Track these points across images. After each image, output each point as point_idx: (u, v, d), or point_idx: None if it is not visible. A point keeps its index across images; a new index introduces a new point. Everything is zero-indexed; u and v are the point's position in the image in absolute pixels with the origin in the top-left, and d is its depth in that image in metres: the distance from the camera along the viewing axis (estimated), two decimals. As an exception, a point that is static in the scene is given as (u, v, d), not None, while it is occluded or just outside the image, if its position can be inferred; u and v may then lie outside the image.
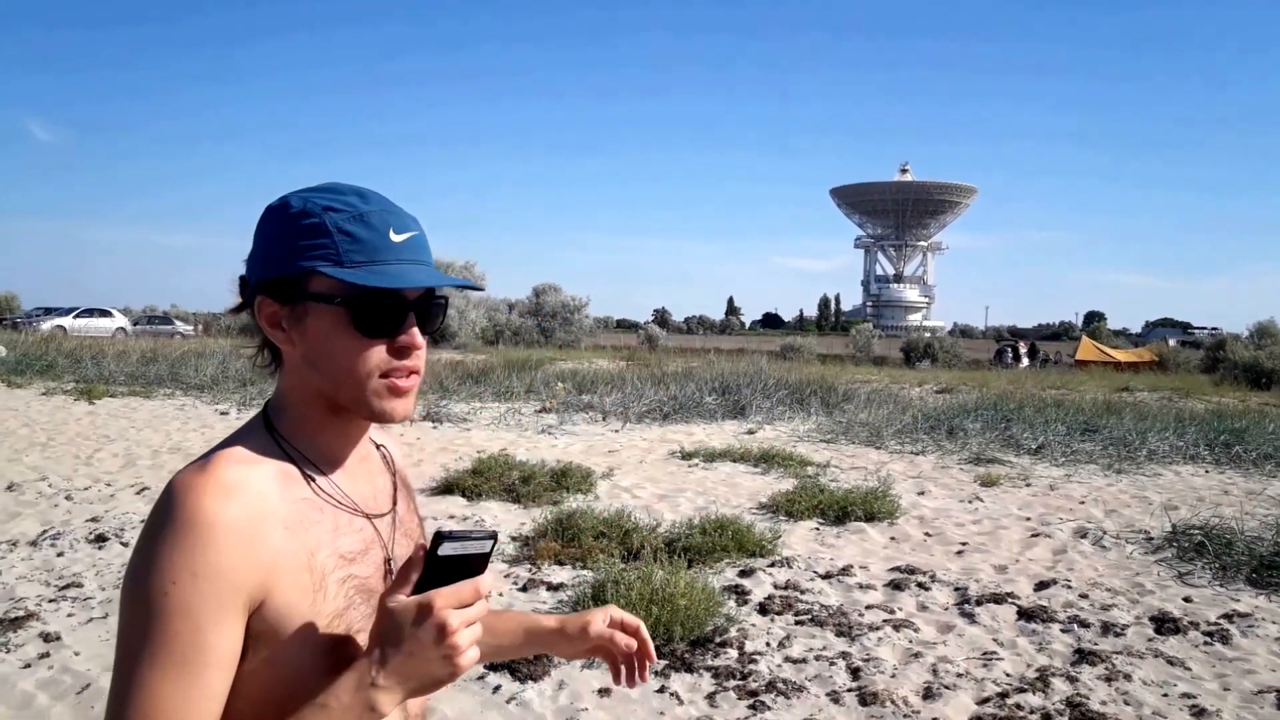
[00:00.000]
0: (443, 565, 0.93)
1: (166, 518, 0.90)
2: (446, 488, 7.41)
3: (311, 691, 0.93)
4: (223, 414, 11.66)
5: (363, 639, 1.00)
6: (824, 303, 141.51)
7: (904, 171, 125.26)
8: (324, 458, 1.05)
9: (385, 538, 1.08)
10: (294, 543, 0.96)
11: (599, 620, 1.29)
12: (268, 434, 1.03)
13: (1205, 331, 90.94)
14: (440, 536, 0.92)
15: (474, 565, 0.95)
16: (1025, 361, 38.30)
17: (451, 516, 6.70)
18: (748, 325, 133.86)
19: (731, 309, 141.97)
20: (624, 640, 1.29)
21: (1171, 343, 66.38)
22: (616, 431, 10.90)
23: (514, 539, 6.13)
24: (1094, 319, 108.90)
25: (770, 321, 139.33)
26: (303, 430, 1.05)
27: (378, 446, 1.18)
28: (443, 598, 0.92)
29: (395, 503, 1.14)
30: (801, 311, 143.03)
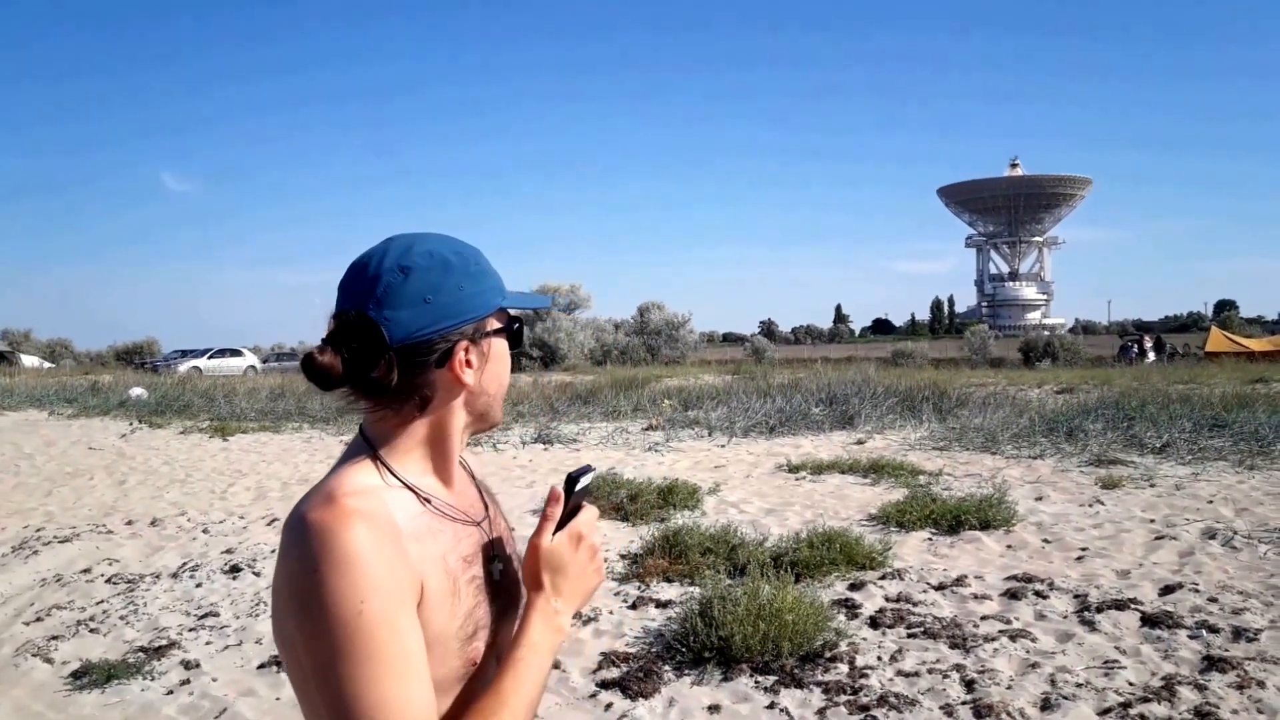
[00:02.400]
0: (575, 498, 1.16)
1: (322, 553, 0.99)
2: (557, 509, 7.57)
3: (453, 682, 1.09)
4: (346, 444, 12.16)
5: (483, 635, 1.13)
6: (936, 305, 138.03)
7: (1014, 167, 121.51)
8: (435, 477, 1.16)
9: (488, 537, 1.22)
10: (428, 551, 1.07)
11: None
12: (373, 464, 1.12)
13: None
14: (572, 476, 1.17)
15: (586, 498, 1.19)
16: (1151, 356, 36.57)
17: (562, 537, 6.86)
18: (857, 332, 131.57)
19: (840, 317, 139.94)
20: None
21: (1316, 327, 62.40)
22: (722, 446, 10.93)
23: (622, 557, 6.23)
24: (1225, 308, 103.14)
25: (881, 327, 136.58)
26: (413, 455, 1.14)
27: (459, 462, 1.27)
28: (584, 525, 1.16)
29: (486, 507, 1.27)
30: (913, 315, 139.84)
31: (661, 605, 5.32)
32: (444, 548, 1.10)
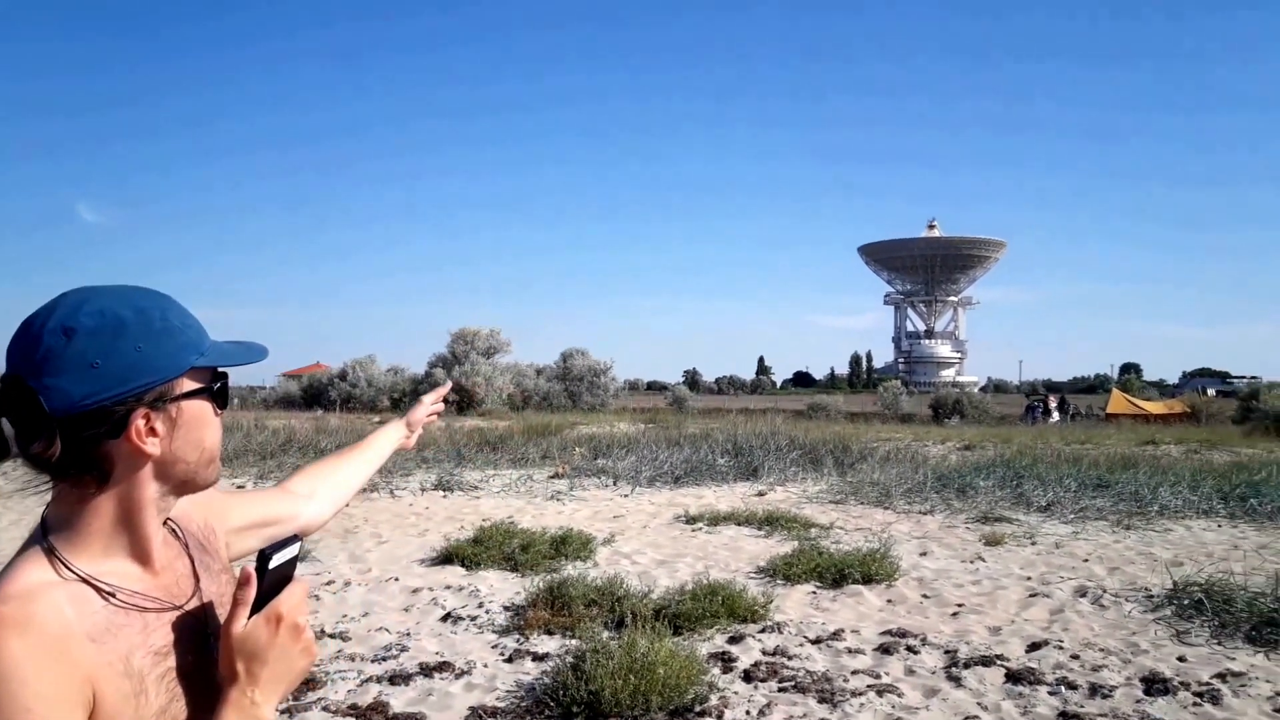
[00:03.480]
0: (272, 576, 1.07)
1: None
2: (446, 558, 7.47)
3: None
4: (239, 488, 11.83)
5: None
6: (855, 360, 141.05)
7: (931, 228, 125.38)
8: (128, 558, 1.06)
9: (198, 612, 1.13)
10: (105, 654, 0.98)
11: (418, 412, 1.89)
12: (46, 556, 1.01)
13: (1244, 380, 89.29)
14: (264, 554, 1.08)
15: (290, 571, 1.11)
16: (1055, 416, 37.80)
17: (448, 587, 6.75)
18: (779, 384, 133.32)
19: (762, 368, 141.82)
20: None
21: (1211, 393, 65.30)
22: (625, 496, 10.92)
23: (505, 609, 6.16)
24: (1129, 370, 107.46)
25: (801, 380, 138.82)
26: (97, 538, 1.04)
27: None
28: (286, 604, 1.07)
29: (196, 575, 1.16)
30: (833, 369, 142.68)
31: (539, 658, 5.26)
32: (129, 644, 1.01)
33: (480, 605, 6.30)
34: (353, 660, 5.38)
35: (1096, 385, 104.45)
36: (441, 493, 11.08)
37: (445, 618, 6.11)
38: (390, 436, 1.83)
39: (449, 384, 2.17)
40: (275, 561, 1.08)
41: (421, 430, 1.92)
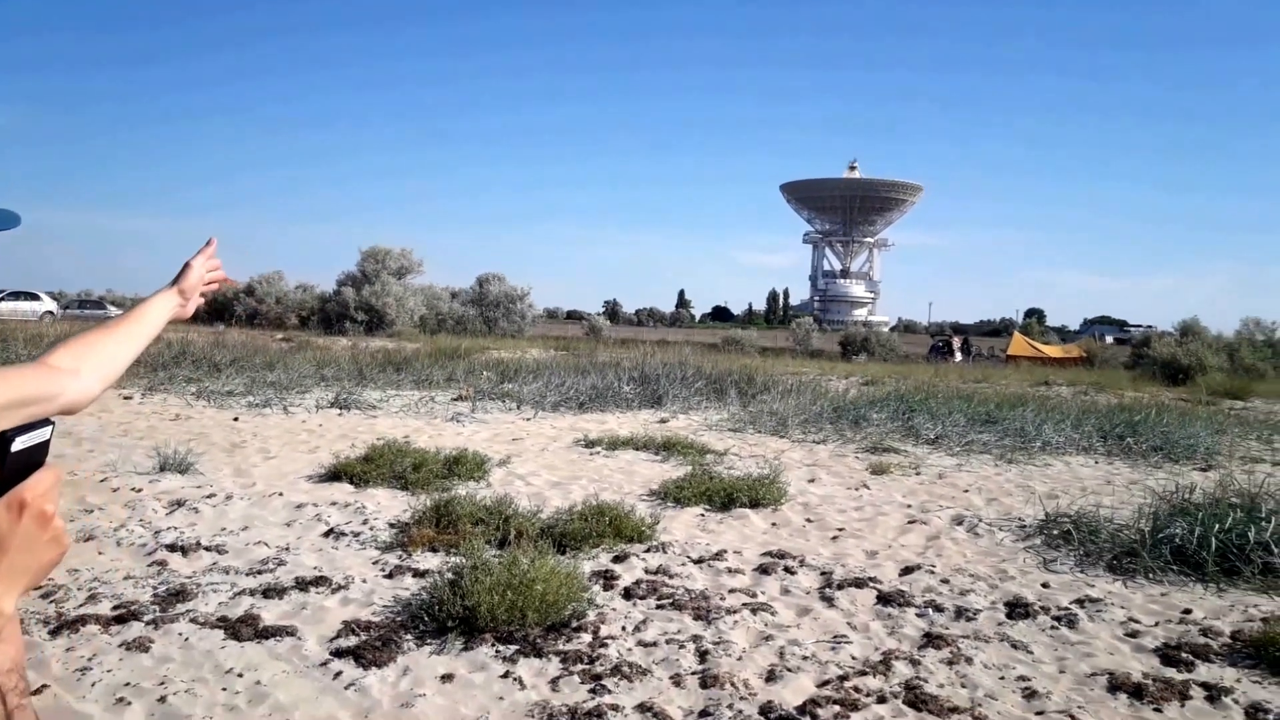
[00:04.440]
0: (15, 461, 0.97)
1: None
2: (335, 475, 7.33)
3: None
4: (126, 398, 11.42)
5: None
6: (772, 297, 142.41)
7: (852, 169, 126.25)
8: None
9: None
10: None
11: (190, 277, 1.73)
12: None
13: (1140, 329, 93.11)
14: (5, 436, 0.97)
15: (40, 457, 1.01)
16: (959, 356, 38.98)
17: (334, 504, 6.63)
18: (698, 318, 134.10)
19: (682, 302, 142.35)
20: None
21: (1107, 339, 67.98)
22: (528, 420, 10.87)
23: (392, 526, 6.09)
24: (1033, 315, 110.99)
25: (720, 314, 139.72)
26: None
27: None
28: (31, 490, 0.96)
29: None
30: (751, 305, 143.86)
31: (419, 575, 5.21)
32: None
33: (365, 522, 6.21)
34: (227, 573, 5.26)
35: (1001, 329, 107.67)
36: (338, 411, 10.86)
37: (328, 533, 6.00)
38: (162, 307, 1.70)
39: (213, 240, 1.88)
40: (19, 445, 0.99)
41: (201, 299, 1.80)
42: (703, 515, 6.64)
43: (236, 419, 10.08)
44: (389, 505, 6.63)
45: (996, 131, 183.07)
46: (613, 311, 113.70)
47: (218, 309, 40.13)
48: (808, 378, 18.49)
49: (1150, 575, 5.56)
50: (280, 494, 6.92)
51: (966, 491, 7.76)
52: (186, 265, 1.77)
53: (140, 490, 6.91)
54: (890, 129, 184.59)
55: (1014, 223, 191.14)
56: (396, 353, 17.55)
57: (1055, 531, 6.32)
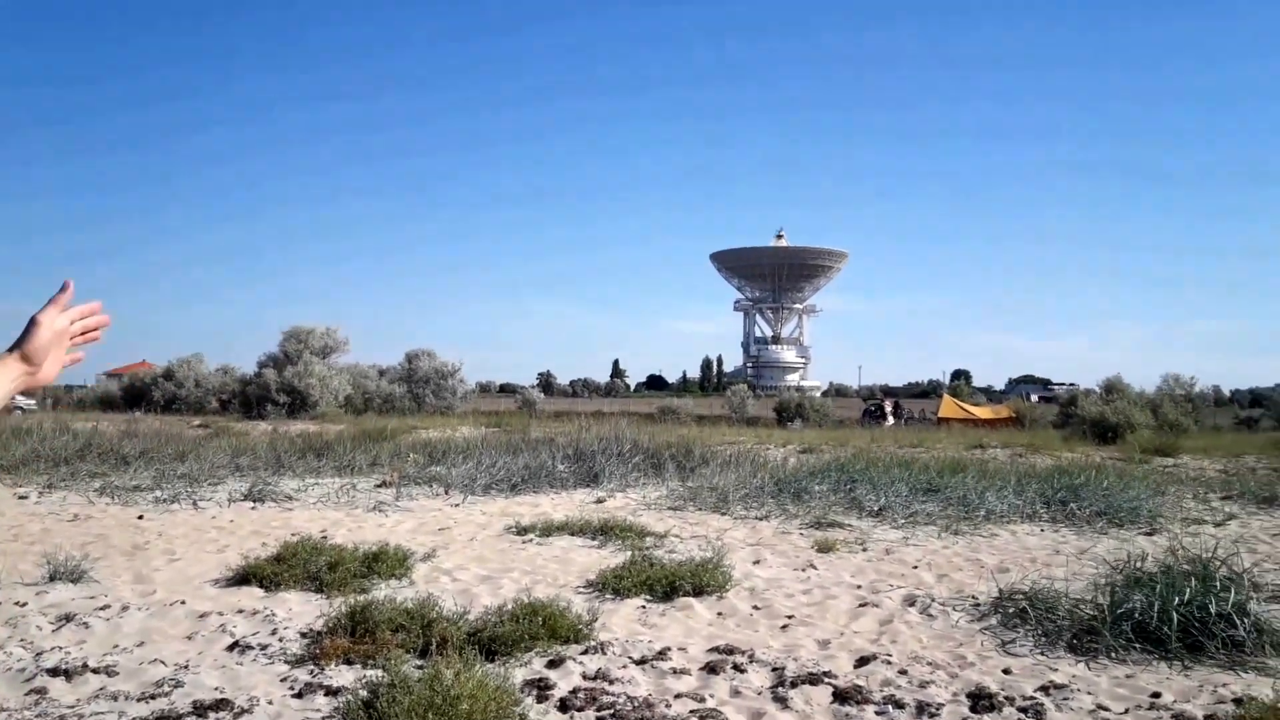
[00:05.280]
0: None
1: None
2: (243, 578, 6.75)
3: None
4: (21, 498, 10.62)
5: None
6: (706, 364, 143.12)
7: (779, 237, 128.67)
8: None
9: None
10: None
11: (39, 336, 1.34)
12: None
13: (1063, 387, 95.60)
14: None
15: None
16: (890, 420, 39.29)
17: (240, 611, 6.06)
18: (632, 387, 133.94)
19: (616, 371, 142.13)
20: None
21: (1033, 398, 69.56)
22: (456, 506, 10.35)
23: (304, 635, 5.55)
24: (959, 377, 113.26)
25: (655, 383, 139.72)
26: None
27: None
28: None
29: None
30: (685, 373, 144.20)
31: (332, 693, 4.70)
32: None
33: (274, 632, 5.66)
34: (115, 699, 4.69)
35: (929, 390, 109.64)
36: (251, 504, 10.21)
37: (232, 646, 5.44)
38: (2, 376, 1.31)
39: (68, 284, 1.44)
40: None
41: (70, 359, 1.42)
42: (644, 608, 6.23)
43: (141, 517, 9.39)
44: (301, 611, 6.09)
45: (914, 199, 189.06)
46: (547, 383, 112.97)
47: (136, 395, 38.69)
48: (746, 447, 18.25)
49: (1113, 654, 5.30)
50: (183, 602, 6.32)
51: (915, 568, 7.47)
52: (32, 322, 1.36)
53: (25, 604, 6.26)
54: (814, 198, 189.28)
55: (935, 286, 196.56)
56: (318, 436, 16.85)
57: (1011, 609, 6.04)
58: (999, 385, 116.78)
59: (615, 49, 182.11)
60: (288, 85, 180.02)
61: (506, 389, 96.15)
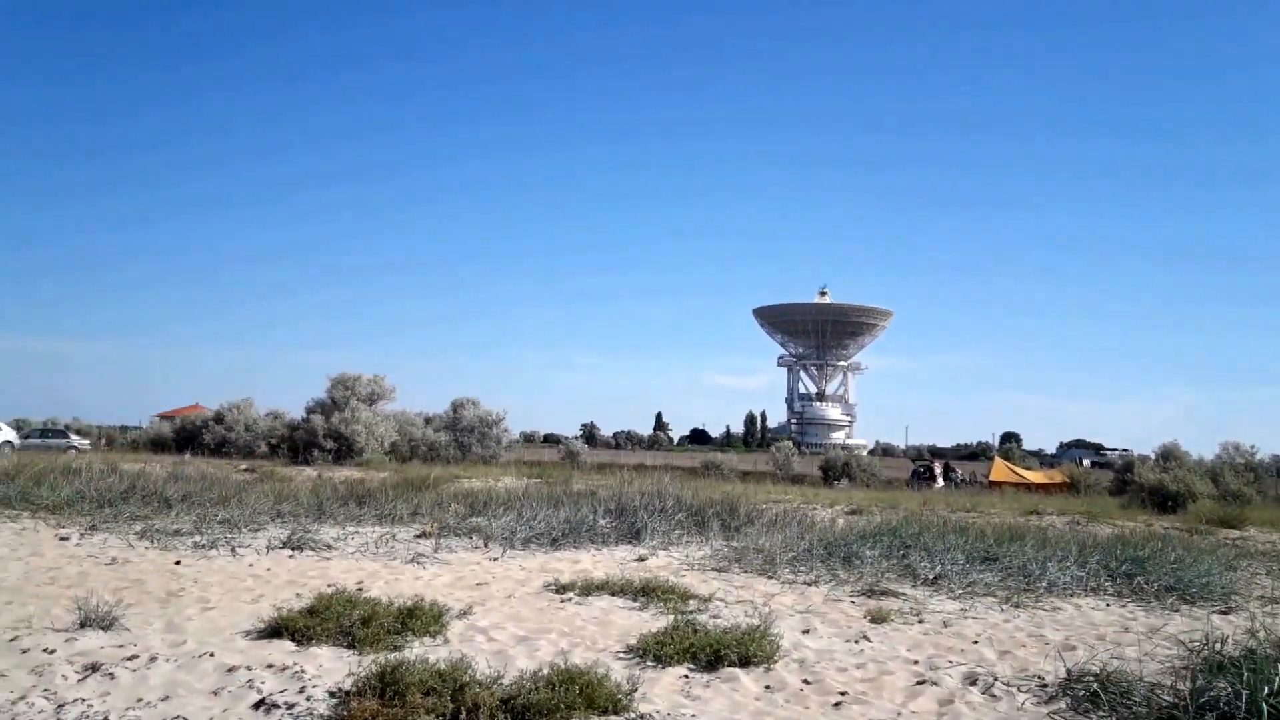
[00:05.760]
0: None
1: None
2: (275, 630, 6.55)
3: None
4: (63, 539, 10.58)
5: None
6: (750, 419, 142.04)
7: (823, 294, 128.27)
8: None
9: None
10: None
11: None
12: None
13: (1116, 453, 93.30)
14: None
15: None
16: (940, 482, 38.41)
17: (270, 666, 5.86)
18: (676, 440, 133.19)
19: (660, 424, 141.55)
20: None
21: (1085, 463, 67.90)
22: (495, 560, 10.10)
23: (332, 695, 5.32)
24: (1009, 439, 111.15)
25: (698, 437, 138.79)
26: None
27: None
28: None
29: None
30: (728, 428, 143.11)
31: (357, 760, 4.46)
32: None
33: (302, 690, 5.43)
34: (134, 761, 4.49)
35: (979, 452, 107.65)
36: (289, 552, 10.06)
37: (258, 704, 5.23)
38: None
39: None
40: None
41: None
42: (686, 677, 5.91)
43: (178, 562, 9.28)
44: (332, 668, 5.86)
45: (958, 257, 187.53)
46: (590, 434, 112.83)
47: (187, 437, 39.19)
48: (792, 506, 17.83)
49: (1196, 747, 4.88)
50: (212, 654, 6.13)
51: (975, 643, 7.06)
52: None
53: (53, 651, 6.12)
54: (859, 255, 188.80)
55: (983, 347, 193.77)
56: (361, 484, 16.77)
57: (1081, 693, 5.63)
58: (1049, 448, 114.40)
59: (662, 96, 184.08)
60: (335, 119, 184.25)
61: (550, 439, 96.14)
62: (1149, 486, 23.86)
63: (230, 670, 5.80)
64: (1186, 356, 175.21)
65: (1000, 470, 39.25)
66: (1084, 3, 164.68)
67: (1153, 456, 37.20)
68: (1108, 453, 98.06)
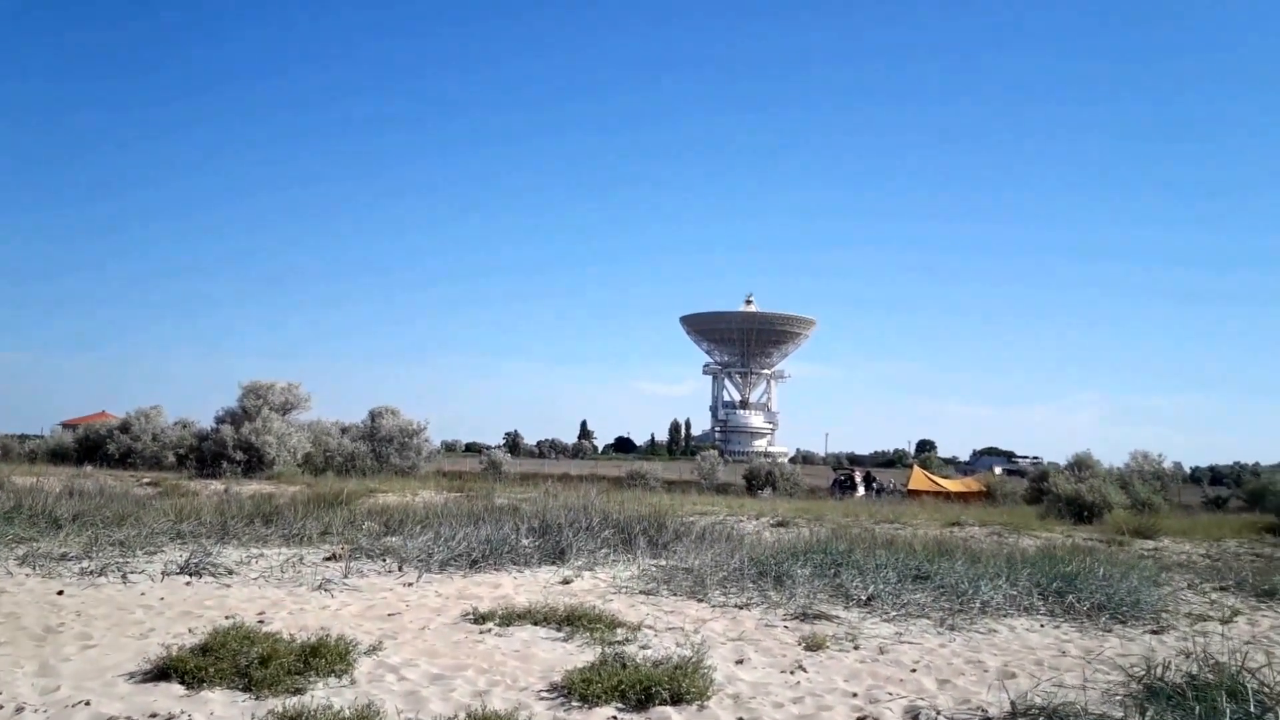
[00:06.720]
0: None
1: None
2: (162, 672, 5.95)
3: None
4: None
5: None
6: (674, 427, 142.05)
7: (749, 302, 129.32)
8: None
9: None
10: None
11: None
12: None
13: (1027, 460, 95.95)
14: None
15: None
16: (861, 491, 38.77)
17: (153, 716, 5.27)
18: (600, 449, 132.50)
19: (584, 433, 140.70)
20: None
21: (997, 471, 69.57)
22: (409, 585, 9.54)
23: (222, 751, 4.78)
24: (925, 447, 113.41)
25: (623, 445, 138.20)
26: None
27: None
28: None
29: None
30: (653, 435, 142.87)
31: (246, 832, 3.95)
32: None
33: (188, 746, 4.88)
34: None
35: (896, 459, 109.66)
36: (187, 579, 9.35)
37: (137, 765, 4.67)
38: None
39: None
40: None
41: None
42: (615, 719, 5.51)
43: (61, 593, 8.52)
44: (224, 715, 5.30)
45: (879, 268, 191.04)
46: (514, 443, 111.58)
47: (90, 447, 37.23)
48: (719, 518, 17.58)
49: (1148, 787, 4.67)
50: (88, 702, 5.51)
51: (914, 671, 6.80)
52: None
53: (-99, 705, 5.42)
54: (783, 265, 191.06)
55: (900, 355, 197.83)
56: (270, 500, 15.93)
57: (1027, 728, 5.39)
58: (963, 455, 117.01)
59: (588, 102, 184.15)
60: (248, 131, 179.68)
61: (472, 448, 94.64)
62: (1065, 496, 24.26)
63: (107, 722, 5.20)
64: (1096, 363, 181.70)
65: (919, 479, 39.77)
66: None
67: (1064, 465, 38.13)
68: (1019, 460, 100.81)
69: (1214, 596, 10.66)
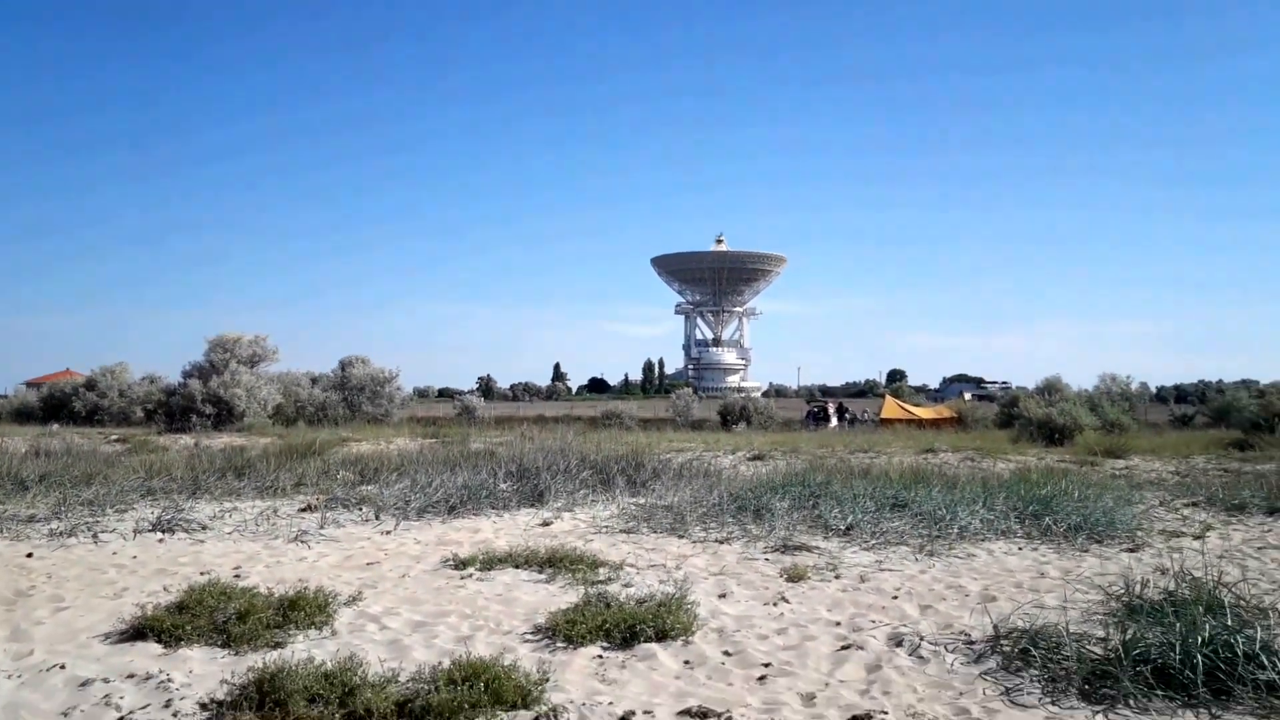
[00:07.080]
0: None
1: None
2: (138, 631, 5.84)
3: None
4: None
5: None
6: (648, 367, 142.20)
7: (719, 242, 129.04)
8: None
9: None
10: None
11: None
12: None
13: (996, 386, 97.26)
14: None
15: None
16: (834, 422, 39.08)
17: (131, 676, 5.17)
18: (574, 390, 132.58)
19: (558, 375, 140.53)
20: None
21: (967, 397, 70.40)
22: (387, 534, 9.47)
23: (204, 708, 4.70)
24: (896, 377, 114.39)
25: (597, 386, 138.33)
26: None
27: None
28: None
29: None
30: (627, 376, 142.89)
31: (230, 789, 3.88)
32: None
33: (168, 704, 4.78)
34: (-41, 807, 3.81)
35: (867, 390, 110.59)
36: (159, 535, 9.21)
37: (116, 726, 4.58)
38: None
39: None
40: None
41: None
42: (601, 658, 5.48)
43: (30, 555, 8.36)
44: (204, 673, 5.22)
45: (846, 203, 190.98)
46: (487, 388, 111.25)
47: (55, 406, 36.66)
48: (695, 454, 17.61)
49: (1132, 702, 4.71)
50: (63, 665, 5.39)
51: (895, 598, 6.84)
52: None
53: None
54: (753, 203, 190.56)
55: (869, 288, 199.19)
56: (242, 452, 15.75)
57: (1010, 650, 5.42)
58: (933, 384, 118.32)
59: (558, 47, 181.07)
60: (217, 92, 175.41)
61: (446, 394, 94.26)
62: (1037, 420, 24.54)
63: (84, 685, 5.09)
64: (1063, 289, 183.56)
65: (891, 408, 40.08)
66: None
67: (1033, 389, 38.59)
68: (988, 386, 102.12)
69: (1186, 513, 10.82)
